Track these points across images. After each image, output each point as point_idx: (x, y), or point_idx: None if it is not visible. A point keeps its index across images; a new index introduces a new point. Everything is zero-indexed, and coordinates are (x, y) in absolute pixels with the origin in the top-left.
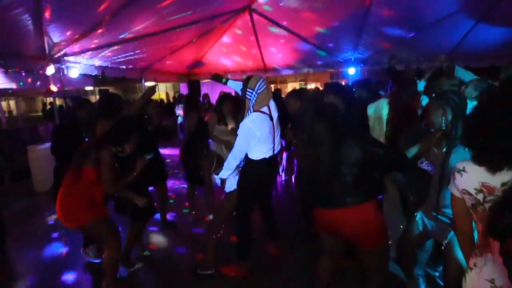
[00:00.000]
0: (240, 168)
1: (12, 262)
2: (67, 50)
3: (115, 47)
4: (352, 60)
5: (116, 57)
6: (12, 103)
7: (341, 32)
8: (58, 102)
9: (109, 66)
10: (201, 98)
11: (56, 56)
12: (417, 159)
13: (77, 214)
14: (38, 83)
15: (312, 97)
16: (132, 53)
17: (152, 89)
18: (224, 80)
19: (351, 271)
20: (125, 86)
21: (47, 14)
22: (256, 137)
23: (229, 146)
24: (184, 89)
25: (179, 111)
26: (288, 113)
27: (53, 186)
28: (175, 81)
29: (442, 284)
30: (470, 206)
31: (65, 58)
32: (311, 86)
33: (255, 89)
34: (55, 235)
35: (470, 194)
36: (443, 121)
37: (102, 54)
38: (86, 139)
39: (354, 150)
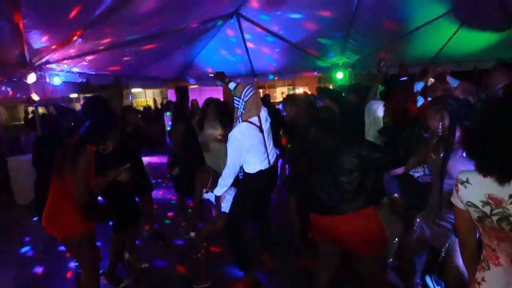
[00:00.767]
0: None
1: None
2: (49, 57)
3: (99, 54)
4: (340, 64)
5: (100, 64)
6: None
7: (329, 37)
8: (41, 110)
9: (95, 73)
10: (189, 104)
11: (37, 63)
12: (411, 167)
13: (66, 222)
14: (19, 92)
15: (309, 103)
16: (117, 59)
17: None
18: (227, 80)
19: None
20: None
21: (26, 21)
22: (245, 148)
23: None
24: (172, 95)
25: (168, 121)
26: (281, 119)
27: (35, 199)
28: (162, 88)
29: None
30: (476, 219)
31: (47, 65)
32: (299, 90)
33: (241, 97)
34: (30, 253)
35: (476, 206)
36: (440, 126)
37: (86, 61)
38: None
39: (352, 158)
